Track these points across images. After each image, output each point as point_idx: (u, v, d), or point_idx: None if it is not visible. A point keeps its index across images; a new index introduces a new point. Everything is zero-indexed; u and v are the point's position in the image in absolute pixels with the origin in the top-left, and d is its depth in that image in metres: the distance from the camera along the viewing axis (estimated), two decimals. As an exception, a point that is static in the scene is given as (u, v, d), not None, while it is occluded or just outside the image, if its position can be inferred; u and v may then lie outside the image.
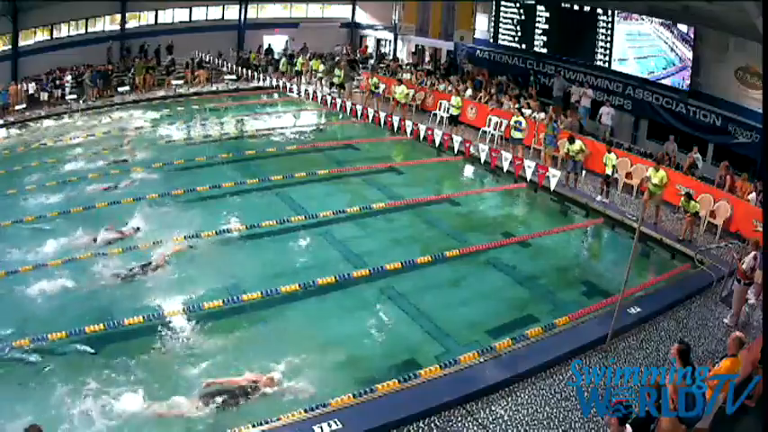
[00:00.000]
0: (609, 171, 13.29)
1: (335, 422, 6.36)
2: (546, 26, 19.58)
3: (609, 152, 13.34)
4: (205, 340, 8.22)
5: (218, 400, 6.96)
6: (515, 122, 15.76)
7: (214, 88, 25.35)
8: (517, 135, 15.73)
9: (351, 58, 27.16)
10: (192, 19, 27.29)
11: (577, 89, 18.38)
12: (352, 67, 25.38)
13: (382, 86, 21.13)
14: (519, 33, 20.60)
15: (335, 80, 22.96)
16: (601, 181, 13.59)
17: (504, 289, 10.03)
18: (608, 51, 17.65)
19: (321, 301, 9.36)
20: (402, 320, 8.95)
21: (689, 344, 6.11)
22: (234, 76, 25.84)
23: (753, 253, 8.84)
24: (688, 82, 15.69)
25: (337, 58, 26.98)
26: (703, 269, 10.49)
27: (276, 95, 24.53)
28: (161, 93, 24.47)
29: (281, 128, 19.96)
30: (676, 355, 5.92)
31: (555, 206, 13.94)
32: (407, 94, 19.99)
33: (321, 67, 24.66)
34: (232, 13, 28.16)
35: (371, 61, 27.54)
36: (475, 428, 6.60)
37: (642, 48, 16.82)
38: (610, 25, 17.44)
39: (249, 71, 25.58)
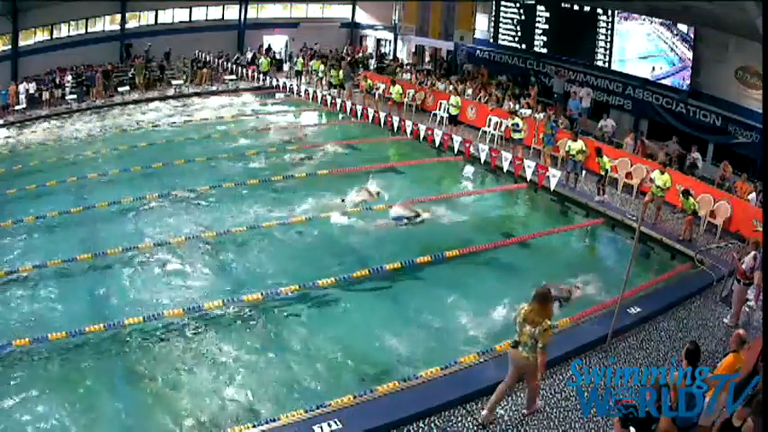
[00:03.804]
0: (602, 173, 13.30)
1: (335, 422, 6.35)
2: (546, 26, 19.57)
3: (600, 156, 13.31)
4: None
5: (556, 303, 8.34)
6: (513, 125, 15.73)
7: (214, 88, 25.41)
8: (517, 136, 15.73)
9: (352, 60, 27.18)
10: (192, 19, 27.32)
11: (578, 89, 18.37)
12: (353, 68, 25.39)
13: (382, 86, 21.14)
14: (519, 33, 20.59)
15: (333, 80, 23.00)
16: (597, 181, 13.59)
17: (504, 289, 10.00)
18: (608, 51, 17.66)
19: (321, 301, 9.39)
20: (401, 320, 8.96)
21: (699, 346, 6.06)
22: (234, 76, 25.87)
23: (752, 253, 8.83)
24: (688, 82, 15.69)
25: (337, 58, 27.01)
26: (703, 269, 10.49)
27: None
28: (167, 92, 24.61)
29: (282, 127, 20.00)
30: (683, 356, 5.91)
31: (555, 206, 13.94)
32: (401, 94, 20.09)
33: (321, 68, 24.67)
34: (232, 13, 28.18)
35: (372, 61, 27.56)
36: (475, 428, 6.59)
37: (643, 48, 16.84)
38: (610, 25, 17.45)
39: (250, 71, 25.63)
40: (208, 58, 26.68)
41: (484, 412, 6.62)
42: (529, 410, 6.78)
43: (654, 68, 16.52)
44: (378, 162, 16.14)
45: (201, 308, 8.78)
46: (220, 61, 26.60)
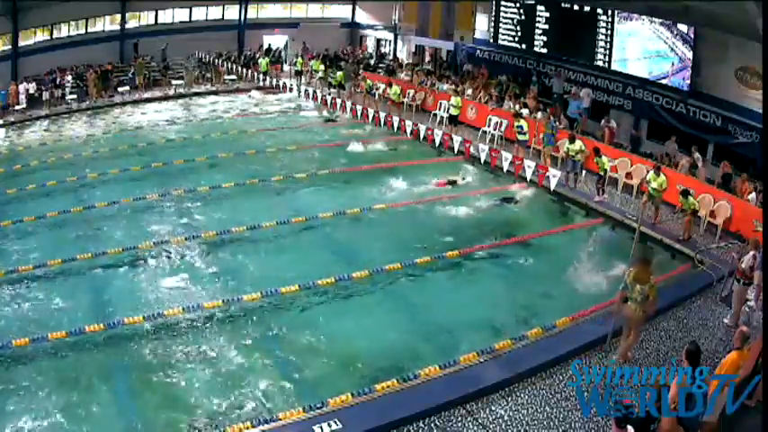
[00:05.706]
0: (601, 173, 13.29)
1: (335, 422, 6.36)
2: (546, 26, 19.57)
3: (599, 156, 13.29)
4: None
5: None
6: (517, 127, 15.66)
7: (213, 88, 25.43)
8: (522, 138, 15.67)
9: (354, 60, 27.22)
10: (192, 19, 27.33)
11: (577, 89, 18.35)
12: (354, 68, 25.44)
13: (382, 86, 21.15)
14: (519, 33, 20.59)
15: (333, 81, 23.01)
16: (596, 181, 13.59)
17: (504, 289, 10.02)
18: (608, 51, 17.65)
19: (321, 301, 9.38)
20: (402, 321, 8.96)
21: (699, 346, 6.07)
22: (234, 76, 25.88)
23: (752, 252, 8.82)
24: (688, 82, 15.69)
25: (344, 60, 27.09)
26: (703, 269, 10.49)
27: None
28: (167, 92, 24.64)
29: (281, 128, 20.02)
30: (684, 357, 5.92)
31: (555, 206, 13.93)
32: (399, 94, 20.14)
33: (321, 67, 24.67)
34: (232, 13, 28.20)
35: (372, 61, 27.56)
36: (475, 428, 6.60)
37: (643, 48, 16.82)
38: (610, 25, 17.44)
39: (249, 71, 25.65)
40: (218, 60, 26.82)
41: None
42: (622, 358, 7.71)
43: (673, 64, 16.22)
44: (378, 162, 16.13)
45: (201, 307, 8.79)
46: (242, 60, 26.80)
